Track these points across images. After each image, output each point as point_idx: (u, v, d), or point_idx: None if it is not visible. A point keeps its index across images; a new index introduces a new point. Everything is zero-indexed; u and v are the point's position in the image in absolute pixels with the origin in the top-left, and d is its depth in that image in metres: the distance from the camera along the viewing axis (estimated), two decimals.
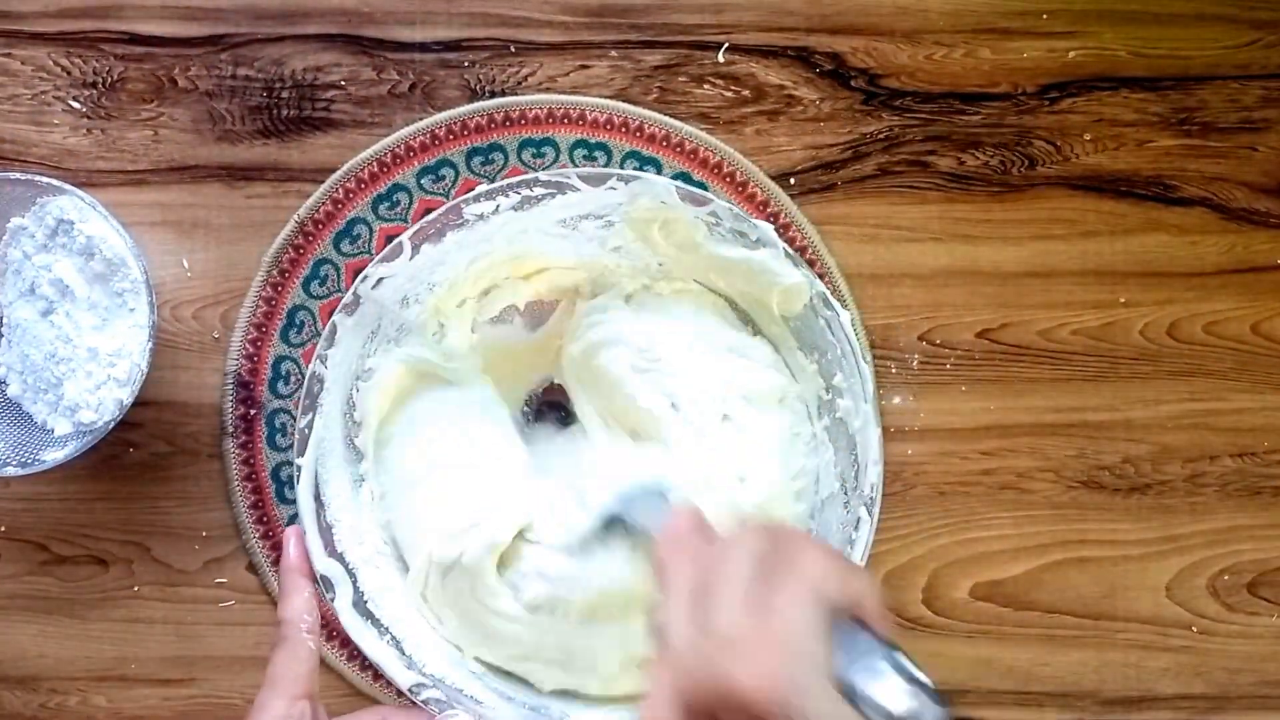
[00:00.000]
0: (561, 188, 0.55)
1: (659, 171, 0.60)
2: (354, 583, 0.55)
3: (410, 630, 0.56)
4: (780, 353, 0.59)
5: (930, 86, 0.62)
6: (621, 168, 0.60)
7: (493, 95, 0.61)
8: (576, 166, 0.59)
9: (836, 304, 0.56)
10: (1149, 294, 0.63)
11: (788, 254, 0.55)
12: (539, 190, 0.55)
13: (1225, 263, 0.63)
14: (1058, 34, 0.62)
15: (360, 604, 0.55)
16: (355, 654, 0.60)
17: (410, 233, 0.55)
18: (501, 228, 0.56)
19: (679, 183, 0.55)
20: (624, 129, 0.61)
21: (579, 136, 0.61)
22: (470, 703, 0.54)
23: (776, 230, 0.57)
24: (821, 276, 0.59)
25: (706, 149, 0.61)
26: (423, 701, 0.53)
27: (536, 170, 0.59)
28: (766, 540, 0.40)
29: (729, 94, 0.62)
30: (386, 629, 0.56)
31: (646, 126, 0.61)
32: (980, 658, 0.61)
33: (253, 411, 0.60)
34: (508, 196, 0.56)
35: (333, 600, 0.54)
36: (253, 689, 0.60)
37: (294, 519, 0.60)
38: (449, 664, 0.56)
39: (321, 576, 0.54)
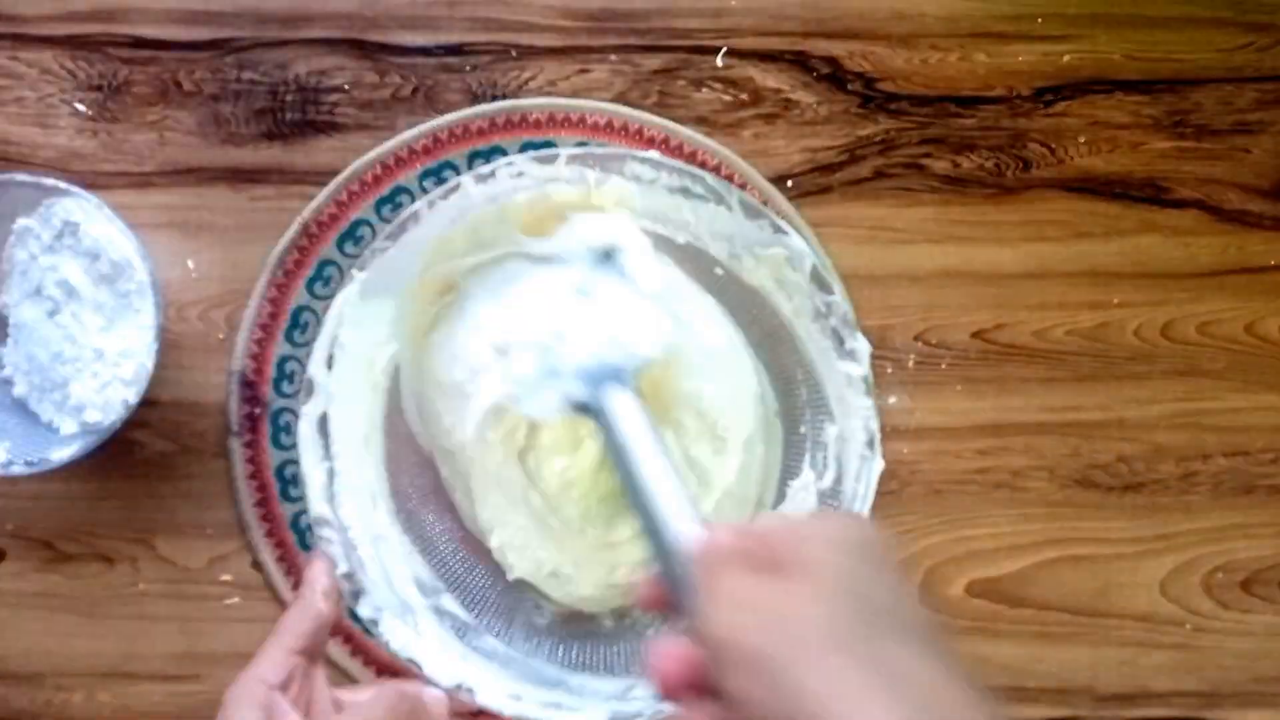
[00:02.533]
0: (721, 199, 0.56)
1: None
2: (328, 403, 0.56)
3: (349, 466, 0.57)
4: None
5: (926, 90, 0.63)
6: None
7: (494, 99, 0.62)
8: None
9: (879, 449, 0.56)
10: (1143, 295, 0.63)
11: (866, 380, 0.56)
12: (699, 188, 0.56)
13: (1219, 264, 0.63)
14: (1052, 38, 0.63)
15: (323, 423, 0.56)
16: (358, 649, 0.61)
17: (572, 151, 0.56)
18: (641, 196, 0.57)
19: (816, 262, 0.56)
20: (624, 132, 0.61)
21: (580, 139, 0.61)
22: (355, 557, 0.55)
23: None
24: None
25: (705, 152, 0.61)
26: (317, 538, 0.54)
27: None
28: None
29: (727, 98, 0.62)
30: (330, 456, 0.56)
31: (646, 129, 0.61)
32: (975, 654, 0.62)
33: (257, 411, 0.61)
34: (671, 176, 0.56)
35: (304, 404, 0.55)
36: None
37: (299, 516, 0.61)
38: (359, 518, 0.56)
39: (307, 379, 0.55)
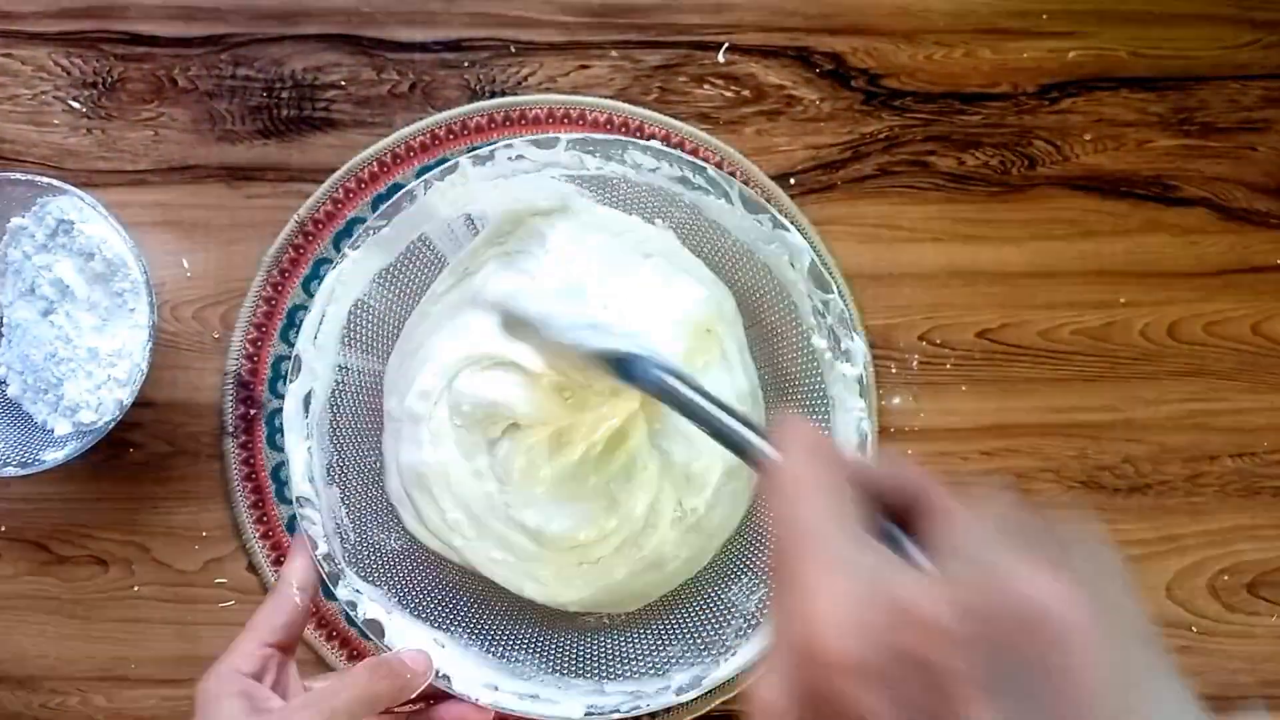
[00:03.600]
0: (723, 193, 0.56)
1: None
2: (314, 383, 0.56)
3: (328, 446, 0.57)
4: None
5: (930, 87, 0.62)
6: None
7: (493, 95, 0.61)
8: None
9: (872, 451, 0.56)
10: (1149, 294, 0.63)
11: (861, 381, 0.56)
12: (699, 179, 0.56)
13: (1225, 263, 0.63)
14: (1058, 34, 0.62)
15: (307, 402, 0.56)
16: (355, 656, 0.60)
17: (574, 137, 0.56)
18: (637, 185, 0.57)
19: (815, 257, 0.55)
20: (624, 128, 0.61)
21: (580, 136, 0.60)
22: (334, 538, 0.56)
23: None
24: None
25: (706, 149, 0.61)
26: (299, 517, 0.55)
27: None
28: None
29: (729, 94, 0.62)
30: (311, 434, 0.56)
31: (647, 126, 0.61)
32: None
33: (253, 411, 0.60)
34: (672, 166, 0.56)
35: (291, 383, 0.55)
36: None
37: (295, 519, 0.60)
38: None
39: (295, 356, 0.55)
